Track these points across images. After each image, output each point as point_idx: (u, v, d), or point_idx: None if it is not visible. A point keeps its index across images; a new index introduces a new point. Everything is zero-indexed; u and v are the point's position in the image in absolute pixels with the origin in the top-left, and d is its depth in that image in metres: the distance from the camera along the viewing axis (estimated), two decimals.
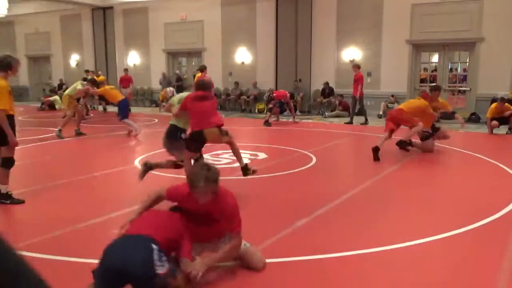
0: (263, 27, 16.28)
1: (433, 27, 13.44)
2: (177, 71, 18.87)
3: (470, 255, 3.63)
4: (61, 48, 21.69)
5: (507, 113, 10.52)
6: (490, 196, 5.31)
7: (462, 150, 8.19)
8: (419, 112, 8.01)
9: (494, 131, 10.63)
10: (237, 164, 5.55)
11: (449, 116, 9.80)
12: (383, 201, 5.13)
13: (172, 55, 19.05)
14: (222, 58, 17.36)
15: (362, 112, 12.78)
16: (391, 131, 7.86)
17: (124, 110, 10.32)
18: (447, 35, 13.35)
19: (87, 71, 16.71)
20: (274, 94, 12.98)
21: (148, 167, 5.47)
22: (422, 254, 3.62)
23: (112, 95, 10.57)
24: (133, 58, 19.61)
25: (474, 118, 12.81)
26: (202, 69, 12.13)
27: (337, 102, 14.84)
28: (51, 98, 17.42)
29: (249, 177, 5.36)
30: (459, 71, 15.93)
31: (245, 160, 7.30)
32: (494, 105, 10.77)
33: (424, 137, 8.09)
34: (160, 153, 7.74)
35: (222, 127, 5.16)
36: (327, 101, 15.16)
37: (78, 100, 10.91)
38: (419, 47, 14.33)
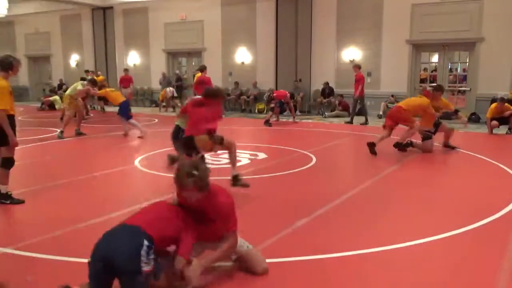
0: (263, 27, 16.28)
1: (433, 27, 13.44)
2: (177, 71, 18.86)
3: (470, 255, 3.63)
4: (61, 48, 21.69)
5: (507, 113, 10.52)
6: (490, 196, 5.31)
7: (462, 150, 8.19)
8: (420, 110, 7.97)
9: (494, 131, 10.63)
10: (238, 164, 5.54)
11: (449, 116, 9.78)
12: (383, 201, 5.13)
13: (172, 55, 19.05)
14: (222, 58, 17.36)
15: (363, 112, 12.79)
16: (391, 129, 7.86)
17: (125, 111, 10.32)
18: (447, 35, 13.35)
19: (87, 71, 16.70)
20: (274, 94, 12.98)
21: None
22: (422, 254, 3.62)
23: (113, 98, 10.59)
24: (133, 58, 19.61)
25: (474, 118, 12.79)
26: (202, 69, 12.13)
27: (337, 102, 14.84)
28: (51, 98, 17.42)
29: (236, 187, 5.18)
30: (459, 71, 15.94)
31: (245, 161, 7.37)
32: (494, 105, 10.77)
33: (426, 136, 8.08)
34: (160, 153, 7.75)
35: (215, 135, 5.07)
36: (327, 101, 15.16)
37: (83, 99, 10.95)
38: (419, 47, 14.33)
